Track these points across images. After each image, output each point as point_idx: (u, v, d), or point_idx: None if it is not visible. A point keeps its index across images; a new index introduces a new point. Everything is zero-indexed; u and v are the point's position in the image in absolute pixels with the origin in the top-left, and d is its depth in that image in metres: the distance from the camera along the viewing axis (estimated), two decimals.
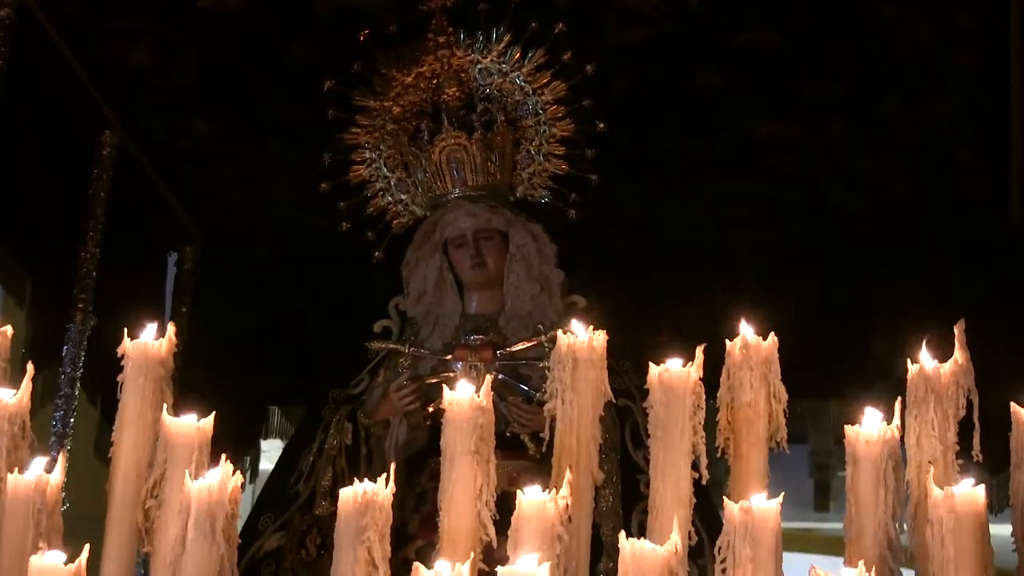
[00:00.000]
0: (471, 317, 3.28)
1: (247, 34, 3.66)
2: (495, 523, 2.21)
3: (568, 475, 2.24)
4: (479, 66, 3.45)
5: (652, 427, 2.30)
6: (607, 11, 3.44)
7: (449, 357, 3.16)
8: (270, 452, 4.15)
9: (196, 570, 2.13)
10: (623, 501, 2.58)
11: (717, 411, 2.34)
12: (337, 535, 2.14)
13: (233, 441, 2.42)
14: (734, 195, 3.68)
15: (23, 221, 3.61)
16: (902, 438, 2.19)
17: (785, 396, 2.33)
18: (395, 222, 3.52)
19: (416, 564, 2.03)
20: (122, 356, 2.43)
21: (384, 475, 2.16)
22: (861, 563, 2.00)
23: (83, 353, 3.58)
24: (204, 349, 3.68)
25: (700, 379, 2.31)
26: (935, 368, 2.22)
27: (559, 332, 2.43)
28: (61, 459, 2.30)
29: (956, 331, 2.21)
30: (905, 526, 2.16)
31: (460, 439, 2.28)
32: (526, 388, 2.96)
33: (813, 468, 3.58)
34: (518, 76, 3.43)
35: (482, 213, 3.31)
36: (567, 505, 2.17)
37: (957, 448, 2.17)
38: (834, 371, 2.71)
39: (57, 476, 2.24)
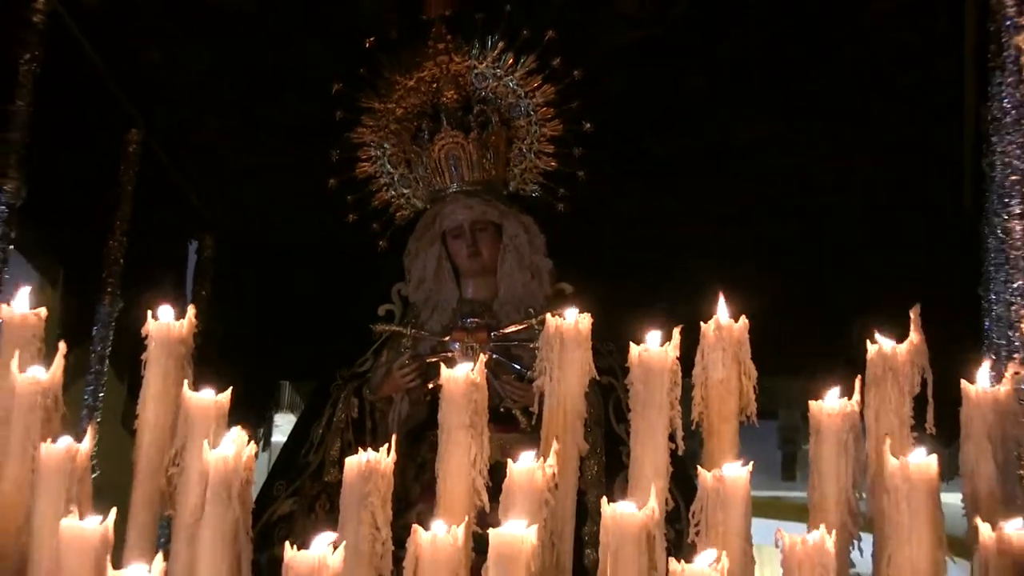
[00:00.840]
0: (467, 302, 3.29)
1: (258, 37, 3.65)
2: (488, 490, 2.22)
3: (555, 446, 2.25)
4: (475, 71, 3.44)
5: (633, 402, 2.31)
6: (594, 18, 3.43)
7: (447, 338, 3.17)
8: (282, 425, 4.17)
9: (213, 532, 2.13)
10: (606, 470, 2.59)
11: (692, 388, 2.33)
12: (343, 500, 2.15)
13: (248, 414, 2.41)
14: (714, 192, 3.69)
15: (56, 212, 3.60)
16: (862, 413, 2.19)
17: (755, 374, 2.33)
18: (398, 214, 3.53)
19: (415, 527, 2.04)
20: (146, 336, 2.43)
21: (386, 446, 2.16)
22: (823, 527, 2.00)
23: (111, 333, 3.61)
24: (222, 329, 3.68)
25: (677, 358, 2.30)
26: (892, 349, 2.22)
27: (548, 315, 2.43)
28: (90, 430, 2.30)
29: (912, 315, 2.22)
30: (864, 493, 2.16)
31: (456, 413, 2.29)
32: (518, 367, 2.97)
33: (781, 441, 3.59)
34: (511, 80, 3.43)
35: (478, 206, 3.31)
36: (554, 474, 2.19)
37: (912, 422, 2.18)
38: (801, 352, 2.71)
39: (87, 445, 2.24)
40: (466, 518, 2.14)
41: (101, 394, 3.56)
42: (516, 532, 1.97)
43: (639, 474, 2.23)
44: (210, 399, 2.33)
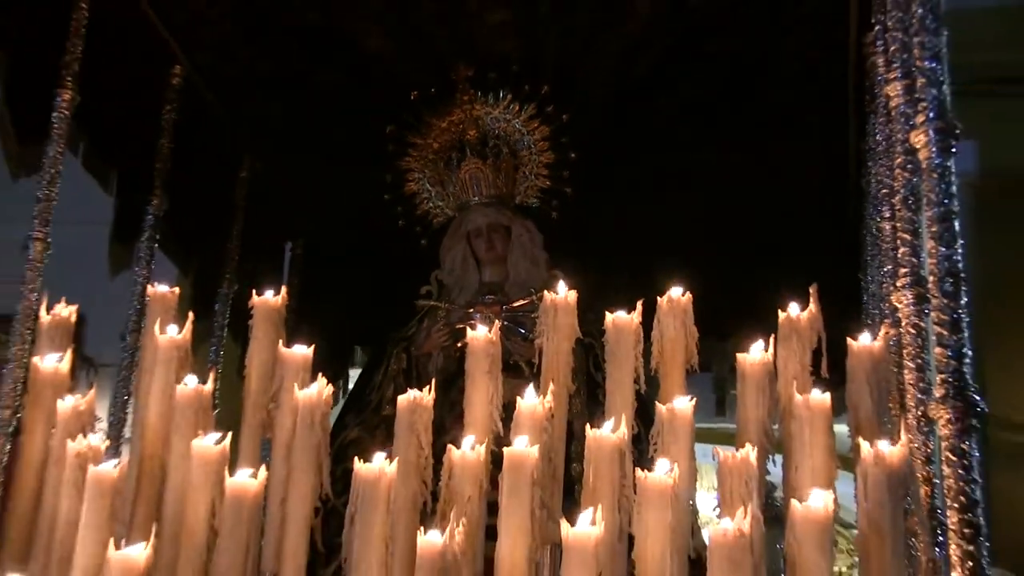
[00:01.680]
0: (485, 284, 3.28)
1: (338, 101, 3.58)
2: (502, 420, 2.22)
3: (551, 388, 2.25)
4: (491, 115, 3.44)
5: (608, 356, 2.30)
6: (578, 76, 3.39)
7: (471, 310, 3.15)
8: (354, 378, 4.23)
9: (302, 451, 2.15)
10: (588, 406, 2.57)
11: (651, 344, 2.32)
12: (397, 427, 2.17)
13: (329, 369, 2.43)
14: (669, 201, 3.61)
15: (189, 225, 3.62)
16: (775, 362, 2.18)
17: (696, 334, 2.31)
18: (434, 220, 3.52)
19: (450, 447, 2.09)
20: (252, 308, 2.43)
21: (427, 388, 2.17)
22: (748, 446, 2.00)
23: (228, 308, 3.63)
24: (308, 305, 3.68)
25: (639, 323, 2.29)
26: (797, 316, 2.21)
27: (545, 293, 2.41)
28: (212, 376, 2.34)
29: (811, 292, 2.21)
30: (776, 422, 2.15)
31: (479, 364, 2.29)
32: (523, 331, 3.00)
33: (715, 387, 3.58)
34: (517, 122, 3.42)
35: (493, 214, 3.32)
36: (550, 408, 2.19)
37: (811, 369, 2.17)
38: (730, 320, 2.67)
39: (209, 386, 2.28)
40: (486, 440, 2.15)
41: (221, 352, 3.59)
42: (523, 450, 1.99)
43: (612, 408, 2.21)
44: (299, 352, 2.34)
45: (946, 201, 1.80)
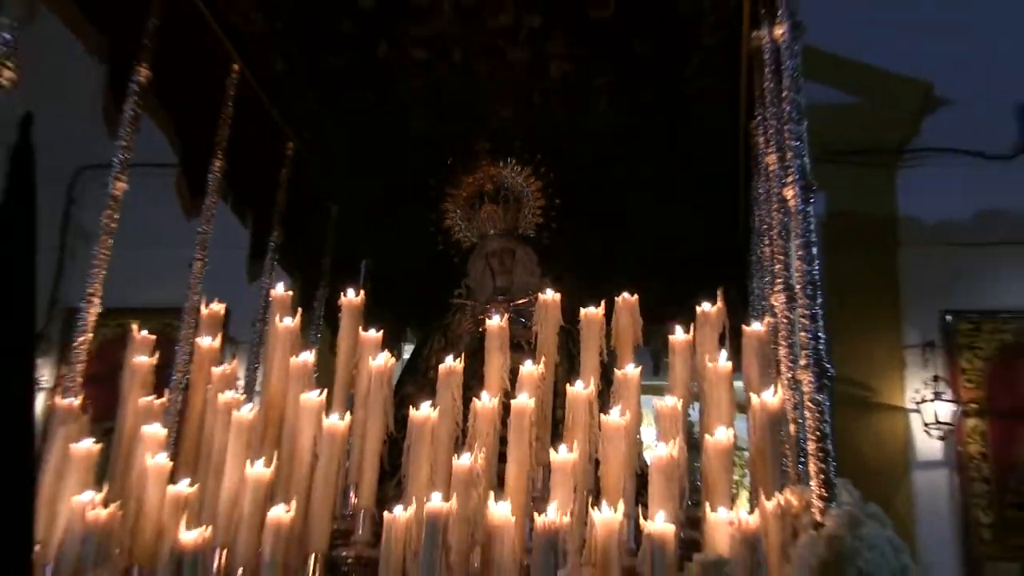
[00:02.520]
0: (498, 288, 3.19)
1: (392, 165, 3.48)
2: (509, 381, 2.20)
3: (543, 359, 2.23)
4: (501, 174, 3.34)
5: (581, 337, 2.29)
6: (561, 147, 3.32)
7: (488, 306, 3.05)
8: (407, 350, 4.12)
9: (374, 402, 2.14)
10: (567, 372, 2.55)
11: (611, 329, 2.30)
12: (439, 385, 2.15)
13: (391, 346, 2.41)
14: (623, 235, 3.50)
15: (301, 249, 3.56)
16: (694, 340, 2.17)
17: (640, 322, 2.30)
18: (464, 244, 3.40)
19: (474, 399, 2.07)
20: (340, 305, 2.42)
21: (459, 359, 2.17)
22: (676, 398, 2.02)
23: (323, 305, 3.56)
24: (377, 303, 3.61)
25: (603, 315, 2.28)
26: (708, 310, 2.21)
27: (539, 295, 2.40)
28: (313, 352, 2.29)
29: (718, 294, 2.21)
30: (695, 382, 2.12)
31: (493, 342, 2.28)
32: (523, 321, 2.89)
33: (652, 357, 3.47)
34: (519, 179, 3.33)
35: (503, 241, 3.23)
36: (542, 373, 2.18)
37: (719, 345, 2.15)
38: (662, 312, 2.60)
39: (312, 359, 2.24)
40: (499, 395, 2.13)
41: (319, 335, 3.54)
42: (523, 401, 1.99)
43: (584, 373, 2.21)
44: (371, 335, 2.32)
45: (807, 234, 1.80)
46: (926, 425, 4.32)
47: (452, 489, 1.82)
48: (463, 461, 1.86)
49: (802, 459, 1.79)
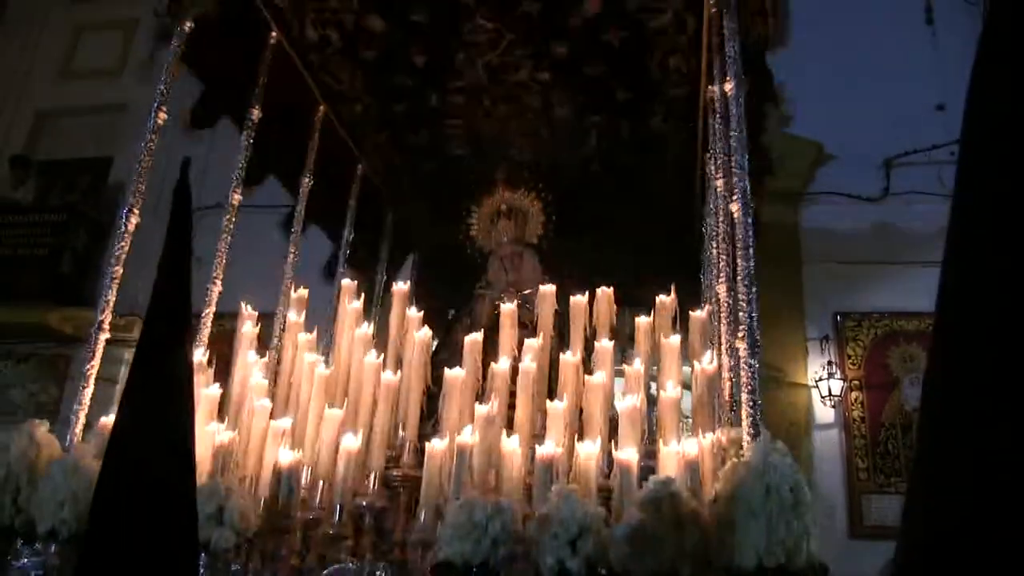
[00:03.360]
0: (510, 282, 3.09)
1: (434, 186, 3.42)
2: (518, 350, 2.21)
3: (542, 335, 2.28)
4: (514, 197, 3.26)
5: (570, 319, 2.30)
6: (558, 175, 3.26)
7: (502, 294, 2.92)
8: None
9: (417, 363, 2.17)
10: (559, 345, 2.52)
11: (592, 314, 2.31)
12: (465, 352, 2.17)
13: (431, 323, 2.40)
14: (604, 243, 3.39)
15: (366, 252, 3.54)
16: (654, 323, 2.18)
17: (615, 309, 2.30)
18: (485, 249, 3.30)
19: (492, 363, 2.09)
20: (392, 292, 2.47)
21: (480, 332, 2.22)
22: (639, 363, 2.05)
23: (380, 291, 3.53)
24: (421, 290, 3.53)
25: (587, 303, 2.29)
26: (665, 300, 2.24)
27: (540, 286, 2.43)
28: (372, 326, 2.36)
29: (672, 288, 2.25)
30: (655, 353, 2.14)
31: (506, 321, 2.31)
32: (528, 306, 2.80)
33: (623, 334, 3.38)
34: (527, 200, 3.27)
35: (514, 247, 3.18)
36: (541, 345, 2.22)
37: (672, 327, 2.16)
38: (629, 301, 2.52)
39: (371, 331, 2.31)
40: (509, 360, 2.14)
41: (377, 315, 3.42)
42: (528, 365, 2.04)
43: (572, 346, 2.22)
44: (415, 314, 2.32)
45: (746, 239, 1.77)
46: (822, 397, 4.63)
47: (475, 427, 1.86)
48: (482, 408, 1.91)
49: (733, 409, 1.81)
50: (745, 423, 1.59)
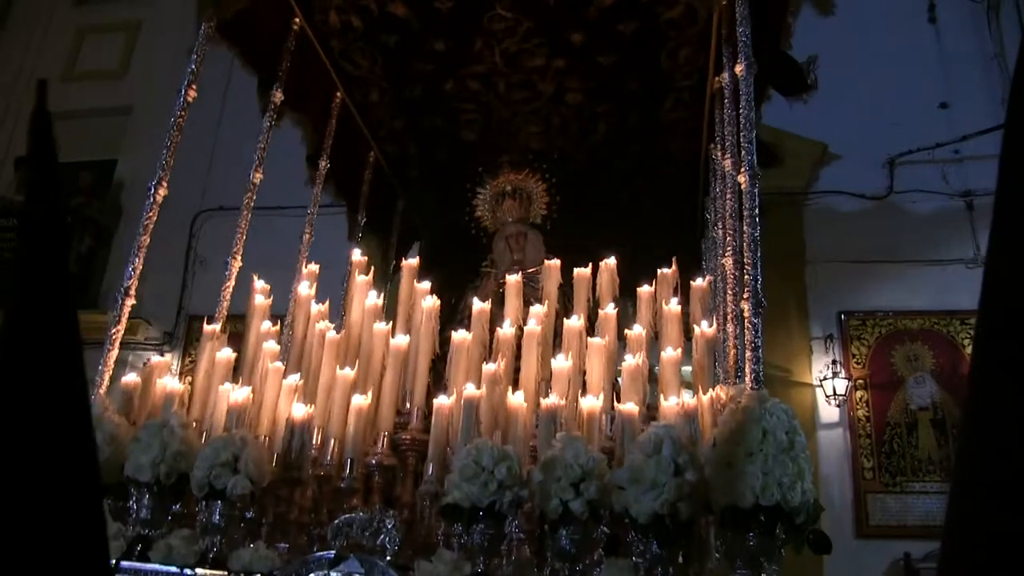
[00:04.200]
0: (514, 260, 3.14)
1: (443, 171, 3.46)
2: (523, 319, 2.25)
3: (547, 303, 2.32)
4: (518, 179, 3.30)
5: (573, 290, 2.38)
6: (562, 159, 3.32)
7: (507, 271, 2.91)
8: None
9: (426, 331, 2.21)
10: (564, 312, 2.49)
11: (596, 284, 2.36)
12: (472, 320, 2.25)
13: (440, 295, 2.41)
14: (607, 222, 3.33)
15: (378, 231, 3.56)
16: (656, 292, 2.26)
17: (617, 280, 2.36)
18: (490, 228, 3.35)
19: (498, 329, 2.16)
20: (401, 267, 2.53)
21: (487, 303, 2.27)
22: (641, 328, 2.13)
23: (392, 268, 3.55)
24: (429, 265, 3.30)
25: (590, 275, 2.36)
26: (666, 271, 2.30)
27: (544, 263, 2.48)
28: (383, 297, 2.44)
29: (674, 260, 2.30)
30: (655, 320, 2.20)
31: (511, 291, 2.36)
32: (533, 285, 2.86)
33: (625, 310, 3.32)
34: (531, 182, 3.31)
35: (518, 227, 3.21)
36: (547, 312, 2.25)
37: (674, 298, 2.20)
38: (634, 272, 2.49)
39: (381, 302, 2.38)
40: (515, 325, 2.20)
41: (388, 288, 3.42)
42: (533, 327, 2.10)
43: (576, 311, 2.28)
44: (424, 286, 2.36)
45: (753, 208, 1.79)
46: (827, 396, 4.62)
47: (481, 383, 1.92)
48: (489, 367, 1.97)
49: (738, 375, 1.84)
50: (748, 377, 1.63)
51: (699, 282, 2.19)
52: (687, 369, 2.00)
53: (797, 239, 5.05)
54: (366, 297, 2.36)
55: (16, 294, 0.62)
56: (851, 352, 4.92)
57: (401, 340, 2.16)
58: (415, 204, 3.75)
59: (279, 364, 2.15)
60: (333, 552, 1.53)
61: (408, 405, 2.16)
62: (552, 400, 1.75)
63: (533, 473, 1.58)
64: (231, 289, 2.38)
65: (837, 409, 4.69)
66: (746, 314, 1.75)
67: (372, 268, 2.51)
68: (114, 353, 1.96)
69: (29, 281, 0.63)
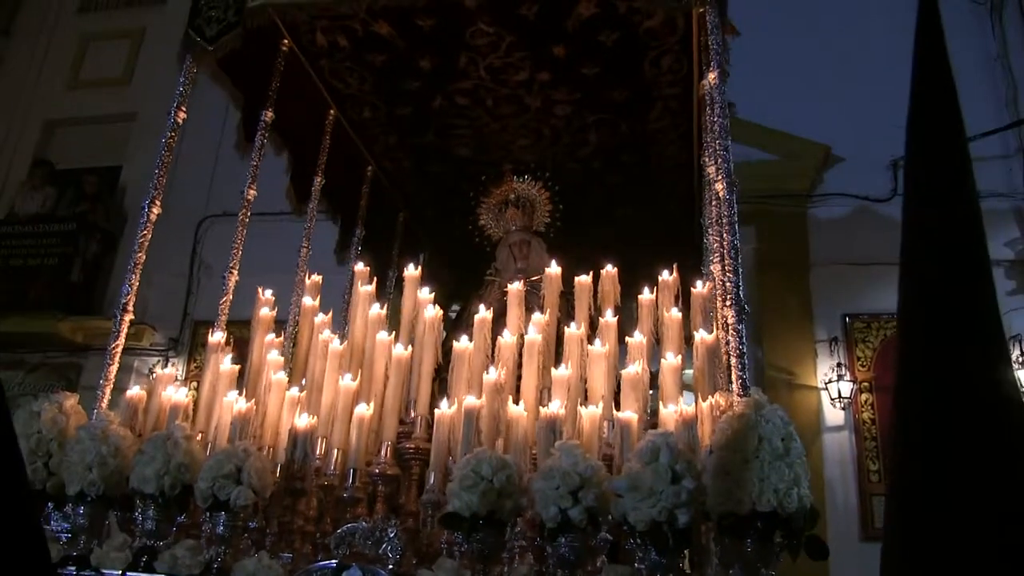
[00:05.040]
0: (518, 269, 3.12)
1: (445, 183, 3.48)
2: (524, 327, 2.23)
3: (548, 311, 2.33)
4: (521, 187, 3.29)
5: (575, 297, 2.39)
6: (562, 169, 3.33)
7: (510, 280, 2.81)
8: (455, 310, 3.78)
9: (428, 342, 2.23)
10: (565, 320, 2.44)
11: (598, 293, 2.38)
12: (475, 324, 2.24)
13: (442, 305, 2.42)
14: (608, 230, 3.47)
15: (383, 246, 3.59)
16: (657, 299, 2.26)
17: (619, 288, 2.38)
18: (494, 237, 3.35)
19: (499, 338, 2.15)
20: (404, 278, 2.51)
21: (491, 311, 2.27)
22: (642, 335, 2.13)
23: (395, 277, 3.56)
24: (432, 277, 3.40)
25: (590, 283, 2.37)
26: (667, 279, 2.31)
27: (546, 271, 2.47)
28: (386, 308, 2.40)
29: (674, 267, 2.32)
30: (657, 326, 2.21)
31: (513, 299, 2.36)
32: (535, 291, 2.79)
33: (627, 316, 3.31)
34: (533, 190, 3.30)
35: (522, 235, 3.20)
36: (548, 320, 2.26)
37: (675, 304, 2.23)
38: (635, 279, 2.52)
39: (384, 312, 2.36)
40: (517, 334, 2.20)
41: (390, 297, 3.47)
42: (534, 336, 2.10)
43: (577, 320, 2.29)
44: (426, 296, 2.38)
45: (731, 215, 1.82)
46: (832, 399, 4.58)
47: (482, 393, 1.93)
48: (491, 375, 1.97)
49: (732, 374, 1.81)
50: (736, 384, 1.63)
51: (699, 288, 2.19)
52: (689, 373, 2.00)
53: (801, 242, 5.06)
54: (369, 307, 2.38)
55: None
56: (856, 355, 4.90)
57: (403, 349, 2.18)
58: (416, 215, 3.78)
59: (283, 375, 2.17)
60: (336, 561, 1.54)
61: (412, 414, 2.17)
62: (552, 409, 1.75)
63: (533, 481, 1.59)
64: (229, 301, 2.41)
65: (842, 412, 4.66)
66: (730, 321, 1.75)
67: (375, 279, 2.55)
68: (114, 368, 1.99)
69: None
